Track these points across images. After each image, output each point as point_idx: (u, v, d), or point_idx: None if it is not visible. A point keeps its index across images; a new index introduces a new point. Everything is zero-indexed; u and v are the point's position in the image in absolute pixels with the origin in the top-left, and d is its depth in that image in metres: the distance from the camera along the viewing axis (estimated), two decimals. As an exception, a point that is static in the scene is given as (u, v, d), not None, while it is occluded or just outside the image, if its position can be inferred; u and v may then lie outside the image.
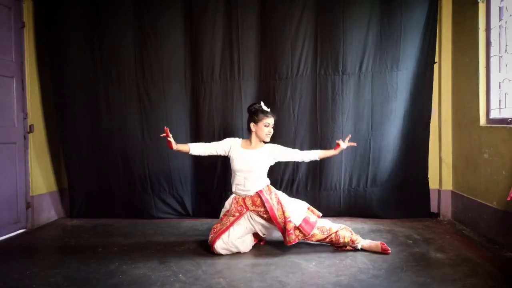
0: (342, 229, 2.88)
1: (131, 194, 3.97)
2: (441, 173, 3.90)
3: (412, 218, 3.79)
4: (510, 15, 3.08)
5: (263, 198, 2.89)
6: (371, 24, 3.72)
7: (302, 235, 2.83)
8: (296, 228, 2.82)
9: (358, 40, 3.73)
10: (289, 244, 2.81)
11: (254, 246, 3.03)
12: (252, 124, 3.04)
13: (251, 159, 2.97)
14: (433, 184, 3.90)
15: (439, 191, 3.90)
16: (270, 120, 3.03)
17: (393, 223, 3.67)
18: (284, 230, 2.82)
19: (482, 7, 3.32)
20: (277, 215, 2.84)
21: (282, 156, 3.07)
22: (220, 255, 2.83)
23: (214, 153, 3.10)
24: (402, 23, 3.68)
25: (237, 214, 2.93)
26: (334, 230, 2.86)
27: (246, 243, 2.95)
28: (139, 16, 3.83)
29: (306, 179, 3.89)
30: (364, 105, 3.80)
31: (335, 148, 3.08)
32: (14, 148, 3.55)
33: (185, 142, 3.89)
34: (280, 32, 3.76)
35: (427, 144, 3.84)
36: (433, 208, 3.89)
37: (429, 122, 3.81)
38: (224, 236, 2.85)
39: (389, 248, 2.83)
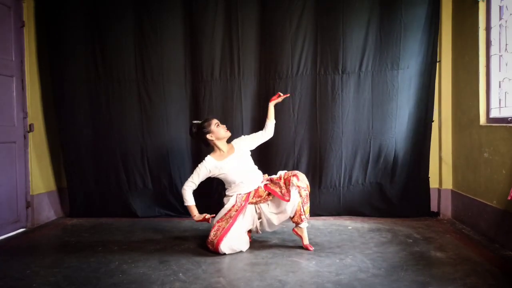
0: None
1: (131, 193, 3.97)
2: (441, 172, 3.90)
3: (412, 217, 3.79)
4: (510, 14, 3.08)
5: (263, 186, 2.98)
6: (371, 23, 3.72)
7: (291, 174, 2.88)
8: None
9: (358, 39, 3.72)
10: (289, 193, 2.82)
11: (250, 245, 3.01)
12: (208, 136, 3.03)
13: (240, 162, 3.02)
14: (433, 183, 3.90)
15: (439, 190, 3.90)
16: (216, 120, 3.07)
17: (393, 222, 3.67)
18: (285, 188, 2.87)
19: (482, 6, 3.32)
20: (276, 190, 2.89)
21: (252, 143, 3.16)
22: (224, 254, 2.81)
23: (206, 177, 3.09)
24: (403, 22, 3.68)
25: (238, 206, 2.93)
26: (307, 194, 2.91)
27: (245, 242, 2.95)
28: (139, 16, 3.83)
29: (306, 178, 3.89)
30: (364, 104, 3.79)
31: (270, 100, 3.17)
32: (14, 147, 3.55)
33: (185, 141, 3.93)
34: (280, 31, 3.76)
35: (429, 143, 3.83)
36: (433, 207, 3.89)
37: (432, 121, 3.81)
38: (228, 235, 2.83)
39: (311, 249, 2.90)
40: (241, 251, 2.88)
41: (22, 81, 3.65)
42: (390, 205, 3.87)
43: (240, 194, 2.99)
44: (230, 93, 3.84)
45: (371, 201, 3.88)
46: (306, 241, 2.94)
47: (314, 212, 3.88)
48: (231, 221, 2.88)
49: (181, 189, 3.91)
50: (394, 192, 3.88)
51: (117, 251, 2.94)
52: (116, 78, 3.88)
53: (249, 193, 2.98)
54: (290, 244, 3.04)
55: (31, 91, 3.75)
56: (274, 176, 3.02)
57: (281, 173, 2.99)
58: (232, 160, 3.02)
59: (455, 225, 3.58)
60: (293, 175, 2.87)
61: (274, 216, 2.95)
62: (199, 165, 3.06)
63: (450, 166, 3.86)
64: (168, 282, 2.35)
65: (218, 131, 3.02)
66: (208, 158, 3.05)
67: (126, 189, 3.97)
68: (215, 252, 2.83)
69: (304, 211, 2.85)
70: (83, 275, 2.49)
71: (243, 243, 2.92)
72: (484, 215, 3.22)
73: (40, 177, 3.85)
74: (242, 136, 3.23)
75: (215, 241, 2.82)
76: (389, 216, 3.81)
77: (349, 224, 3.64)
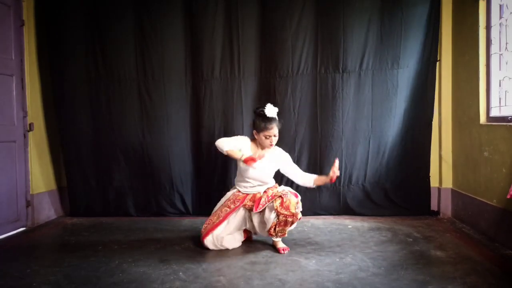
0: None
1: (131, 193, 3.97)
2: (441, 171, 3.90)
3: (412, 216, 3.79)
4: (511, 13, 3.08)
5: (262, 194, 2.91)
6: (371, 22, 3.71)
7: (285, 192, 2.79)
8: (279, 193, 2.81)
9: (359, 38, 3.72)
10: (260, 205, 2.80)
11: (250, 244, 3.02)
12: (254, 131, 2.95)
13: (264, 171, 2.93)
14: (433, 182, 3.89)
15: (439, 189, 3.90)
16: (271, 132, 2.86)
17: (393, 221, 3.67)
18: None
19: (482, 5, 3.31)
20: (262, 199, 2.85)
21: (286, 171, 3.06)
22: (207, 249, 2.88)
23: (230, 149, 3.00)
24: (403, 21, 3.67)
25: (232, 206, 2.93)
26: (299, 217, 2.83)
27: (235, 240, 2.97)
28: (139, 14, 3.82)
29: (306, 178, 3.89)
30: (364, 103, 3.79)
31: (330, 180, 2.86)
32: (14, 146, 3.55)
33: (186, 140, 3.93)
34: (280, 30, 3.75)
35: (429, 142, 3.83)
36: (433, 206, 3.89)
37: (432, 120, 3.81)
38: (215, 232, 2.87)
39: (285, 251, 2.82)
40: (227, 249, 2.90)
41: (22, 80, 3.64)
42: (390, 204, 3.87)
43: (239, 192, 3.00)
44: (231, 92, 3.84)
45: (371, 200, 3.89)
46: (278, 245, 2.89)
47: (314, 211, 3.90)
48: (221, 218, 2.91)
49: (181, 187, 3.95)
50: (394, 191, 3.89)
51: (117, 250, 2.94)
52: (116, 78, 3.87)
53: (246, 196, 2.96)
54: (290, 243, 3.04)
55: (31, 90, 3.75)
56: (277, 189, 2.93)
57: (282, 188, 2.92)
58: (259, 163, 2.87)
59: (455, 224, 3.58)
60: (280, 196, 2.77)
61: (258, 223, 2.93)
62: (239, 136, 3.09)
63: (450, 165, 3.86)
64: (168, 281, 2.35)
65: (262, 141, 2.90)
66: (247, 139, 2.99)
67: (126, 189, 3.97)
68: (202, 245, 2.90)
69: (275, 232, 2.82)
70: (83, 274, 2.49)
71: (231, 242, 2.94)
72: (484, 214, 3.22)
73: (40, 176, 3.84)
74: (288, 156, 3.06)
75: (203, 234, 2.90)
76: (389, 215, 3.81)
77: (349, 223, 3.64)
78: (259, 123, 2.88)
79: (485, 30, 3.31)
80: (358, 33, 3.71)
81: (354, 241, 3.10)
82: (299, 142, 3.84)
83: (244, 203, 2.93)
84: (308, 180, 3.01)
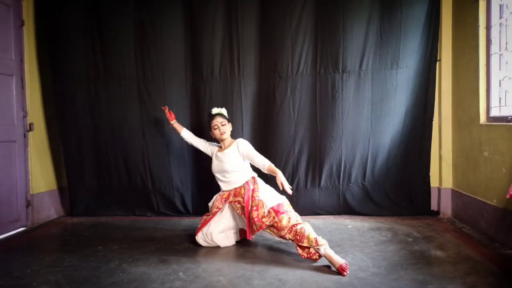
0: (307, 225, 2.71)
1: (131, 192, 3.98)
2: (441, 171, 3.90)
3: (412, 216, 3.79)
4: (511, 13, 3.08)
5: (245, 188, 2.97)
6: (371, 21, 3.71)
7: (271, 219, 2.74)
8: (264, 216, 2.77)
9: (358, 38, 3.72)
10: (253, 235, 2.82)
11: (250, 244, 3.02)
12: (210, 132, 3.28)
13: (222, 160, 3.13)
14: (433, 182, 3.89)
15: (439, 189, 3.90)
16: (216, 121, 3.18)
17: (393, 221, 3.67)
18: (249, 219, 2.82)
19: (482, 5, 3.31)
20: (250, 203, 2.85)
21: (248, 158, 3.14)
22: (200, 246, 3.00)
23: (200, 148, 3.41)
24: (402, 21, 3.67)
25: (220, 206, 3.05)
26: (300, 222, 2.75)
27: (228, 239, 3.05)
28: (139, 14, 3.82)
29: (305, 177, 3.89)
30: (364, 103, 3.79)
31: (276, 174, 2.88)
32: (14, 146, 3.55)
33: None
34: (280, 30, 3.75)
35: (429, 141, 3.83)
36: (433, 206, 3.89)
37: (432, 120, 3.81)
38: (205, 228, 3.01)
39: (347, 271, 2.43)
40: (218, 246, 2.99)
41: (22, 80, 3.64)
42: (390, 204, 3.87)
43: (223, 192, 3.11)
44: (230, 92, 3.84)
45: (371, 200, 3.89)
46: (336, 264, 2.51)
47: (314, 211, 3.90)
48: (210, 216, 3.06)
49: (181, 187, 3.95)
50: (394, 191, 3.89)
51: (117, 250, 2.94)
52: (116, 77, 3.87)
53: (230, 192, 3.05)
54: (290, 243, 3.03)
55: (31, 90, 3.75)
56: (260, 186, 2.97)
57: (262, 196, 2.87)
58: (221, 155, 3.16)
59: (455, 224, 3.58)
60: (271, 225, 2.75)
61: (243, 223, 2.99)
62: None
63: (450, 165, 3.86)
64: (168, 281, 2.35)
65: (214, 133, 3.23)
66: (218, 145, 3.32)
67: (126, 188, 3.98)
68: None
69: (308, 232, 2.65)
70: (83, 274, 2.49)
71: (224, 240, 3.03)
72: (484, 213, 3.22)
73: (40, 176, 3.84)
74: (247, 145, 3.13)
75: (196, 231, 3.06)
76: (389, 215, 3.82)
77: (349, 223, 3.64)
78: (208, 122, 3.27)
79: (485, 30, 3.31)
80: (357, 33, 3.71)
81: (354, 241, 3.10)
82: (299, 142, 3.84)
83: (229, 199, 3.02)
84: (263, 166, 3.02)
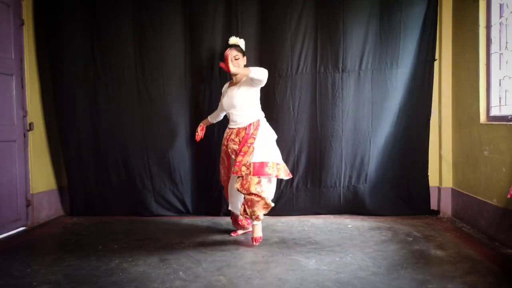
0: (268, 203, 2.88)
1: (131, 192, 3.97)
2: (441, 170, 3.90)
3: (412, 216, 3.79)
4: (511, 12, 3.07)
5: (247, 131, 3.01)
6: (371, 21, 3.71)
7: (247, 172, 2.83)
8: (245, 165, 2.84)
9: (358, 37, 3.72)
10: (229, 173, 3.02)
11: (250, 244, 3.01)
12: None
13: (231, 95, 3.09)
14: (433, 181, 3.90)
15: (439, 189, 3.90)
16: (229, 53, 3.06)
17: (393, 220, 3.67)
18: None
19: (482, 4, 3.31)
20: (241, 148, 2.92)
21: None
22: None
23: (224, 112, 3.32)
24: (402, 20, 3.67)
25: (223, 154, 3.20)
26: (263, 196, 2.86)
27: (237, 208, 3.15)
28: (139, 14, 3.81)
29: (306, 177, 3.89)
30: (364, 102, 3.79)
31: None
32: (14, 146, 3.55)
33: (185, 139, 3.92)
34: (279, 29, 3.75)
35: (427, 141, 3.84)
36: (433, 205, 3.89)
37: (429, 119, 3.81)
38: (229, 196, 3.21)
39: (257, 243, 2.95)
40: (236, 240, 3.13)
41: (22, 79, 3.64)
42: (390, 203, 3.87)
43: (229, 130, 3.15)
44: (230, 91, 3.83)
45: (371, 199, 3.88)
46: (253, 234, 2.99)
47: (314, 211, 3.90)
48: (221, 170, 3.31)
49: (181, 187, 3.95)
50: (394, 190, 3.88)
51: (117, 250, 2.94)
52: (115, 77, 3.87)
53: (232, 131, 3.09)
54: (290, 242, 3.04)
55: (31, 90, 3.74)
56: (260, 133, 3.02)
57: (254, 157, 2.90)
58: (229, 91, 3.15)
59: (455, 223, 3.58)
60: (241, 176, 2.87)
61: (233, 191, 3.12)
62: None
63: (450, 164, 3.86)
64: (168, 281, 2.35)
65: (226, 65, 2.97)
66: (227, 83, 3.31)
67: (126, 188, 3.97)
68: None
69: (248, 214, 2.93)
70: (83, 273, 2.49)
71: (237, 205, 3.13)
72: (484, 213, 3.22)
73: (40, 176, 3.84)
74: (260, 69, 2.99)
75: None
76: (389, 214, 3.81)
77: (349, 222, 3.64)
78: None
79: (485, 29, 3.31)
80: (357, 32, 3.71)
81: (354, 240, 3.10)
82: (299, 141, 3.84)
83: (230, 138, 3.07)
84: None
